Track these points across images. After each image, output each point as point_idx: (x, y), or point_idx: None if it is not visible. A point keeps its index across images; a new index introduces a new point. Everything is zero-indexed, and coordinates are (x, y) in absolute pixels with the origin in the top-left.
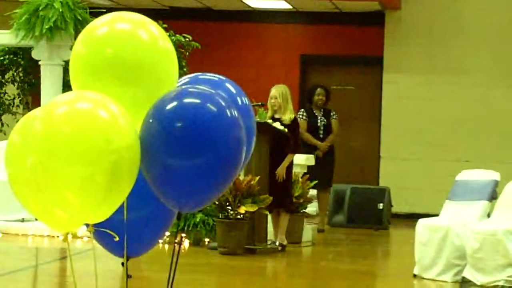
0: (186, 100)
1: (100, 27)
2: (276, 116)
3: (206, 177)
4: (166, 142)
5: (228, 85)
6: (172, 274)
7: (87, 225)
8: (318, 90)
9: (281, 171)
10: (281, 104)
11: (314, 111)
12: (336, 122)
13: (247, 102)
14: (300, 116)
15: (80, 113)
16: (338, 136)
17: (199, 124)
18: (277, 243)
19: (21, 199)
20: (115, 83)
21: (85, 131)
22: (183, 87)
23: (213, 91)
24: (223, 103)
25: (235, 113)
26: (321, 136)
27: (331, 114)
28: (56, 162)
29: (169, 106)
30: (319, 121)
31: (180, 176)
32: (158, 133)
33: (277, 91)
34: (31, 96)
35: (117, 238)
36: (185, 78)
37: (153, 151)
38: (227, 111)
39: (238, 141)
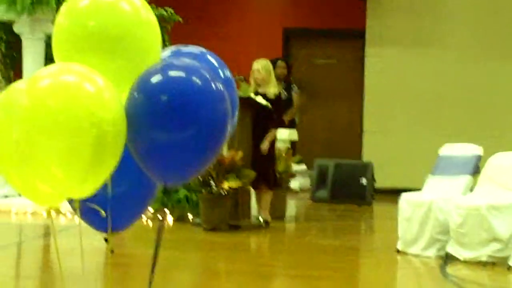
0: (171, 73)
1: None
2: (260, 90)
3: (191, 150)
4: (151, 115)
5: (210, 57)
6: (156, 252)
7: (70, 201)
8: (279, 62)
9: (264, 146)
10: (264, 78)
11: None
12: (297, 95)
13: (229, 75)
14: None
15: (64, 86)
16: (298, 109)
17: (185, 97)
18: (261, 219)
19: (4, 174)
20: (98, 56)
21: (69, 104)
22: (168, 60)
23: (198, 64)
24: (208, 76)
25: (221, 86)
26: None
27: (291, 86)
28: (41, 135)
29: (154, 79)
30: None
31: (166, 149)
32: (143, 106)
33: (259, 64)
34: (13, 71)
35: (104, 214)
36: (167, 50)
37: (138, 125)
38: (212, 84)
39: (224, 114)
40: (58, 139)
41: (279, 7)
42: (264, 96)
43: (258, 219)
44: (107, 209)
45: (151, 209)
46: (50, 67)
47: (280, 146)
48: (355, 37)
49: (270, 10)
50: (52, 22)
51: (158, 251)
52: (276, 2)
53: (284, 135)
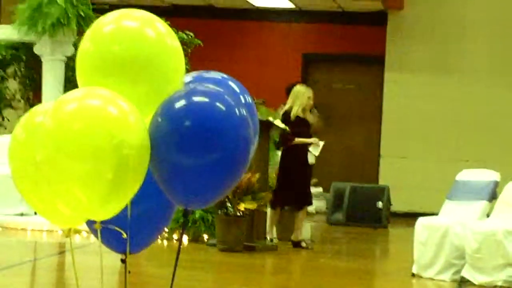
0: (195, 99)
1: (108, 24)
2: (301, 115)
3: (214, 175)
4: (175, 140)
5: (231, 83)
6: (174, 272)
7: (89, 221)
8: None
9: (297, 140)
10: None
11: None
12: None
13: (250, 101)
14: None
15: (89, 110)
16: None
17: (208, 123)
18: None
19: (25, 195)
20: (122, 80)
21: (93, 127)
22: (192, 85)
23: (221, 89)
24: (232, 102)
25: (244, 112)
26: None
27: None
28: (64, 157)
29: (178, 105)
30: None
31: (188, 174)
32: (167, 131)
33: (310, 91)
34: (33, 92)
35: (125, 235)
36: (189, 76)
37: (162, 149)
38: (236, 110)
39: (247, 140)
40: (80, 161)
41: (298, 32)
42: (306, 121)
43: (269, 240)
44: (127, 231)
45: (165, 229)
46: (76, 91)
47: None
48: (374, 62)
49: (289, 36)
50: (73, 44)
51: (175, 271)
52: (296, 28)
53: None
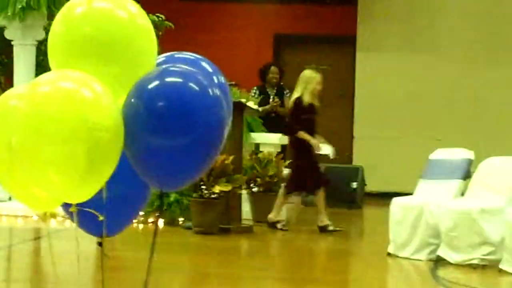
0: (168, 79)
1: (78, 6)
2: (311, 101)
3: (188, 156)
4: (148, 121)
5: (204, 63)
6: (151, 255)
7: (65, 205)
8: (272, 68)
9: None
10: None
11: (267, 89)
12: (288, 99)
13: (223, 81)
14: (252, 94)
15: (62, 92)
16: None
17: (182, 103)
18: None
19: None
20: (94, 62)
21: (66, 110)
22: (164, 66)
23: (194, 70)
24: (205, 82)
25: (217, 92)
26: (273, 115)
27: (284, 92)
28: (38, 140)
29: (151, 85)
30: (271, 99)
31: (163, 155)
32: (140, 112)
33: (320, 76)
34: (4, 76)
35: (101, 218)
36: (161, 57)
37: (136, 130)
38: (209, 90)
39: (221, 120)
40: (54, 144)
41: (270, 13)
42: (315, 107)
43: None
44: (103, 213)
45: (141, 212)
46: (49, 73)
47: (271, 150)
48: (346, 43)
49: (261, 16)
50: (43, 28)
51: (153, 255)
52: (267, 8)
53: (274, 139)
